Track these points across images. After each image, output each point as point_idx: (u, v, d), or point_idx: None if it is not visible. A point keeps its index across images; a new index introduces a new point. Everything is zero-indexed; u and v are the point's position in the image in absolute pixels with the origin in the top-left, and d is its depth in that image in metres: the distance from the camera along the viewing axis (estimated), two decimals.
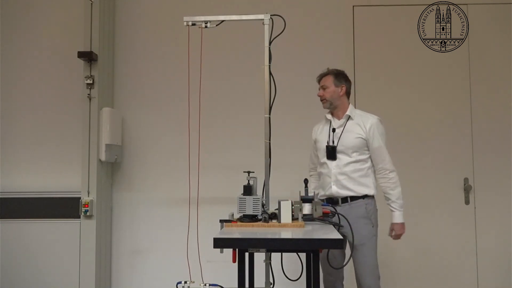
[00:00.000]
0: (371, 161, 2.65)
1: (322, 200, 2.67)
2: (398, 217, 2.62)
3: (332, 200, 2.64)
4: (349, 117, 2.67)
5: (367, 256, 2.58)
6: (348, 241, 2.56)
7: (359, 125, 2.63)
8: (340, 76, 2.72)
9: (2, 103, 3.71)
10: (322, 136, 2.73)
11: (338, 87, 2.69)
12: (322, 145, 2.70)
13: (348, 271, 2.75)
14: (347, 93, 2.73)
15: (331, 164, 2.64)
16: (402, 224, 2.63)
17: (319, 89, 2.74)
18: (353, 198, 2.60)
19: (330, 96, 2.68)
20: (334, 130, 2.67)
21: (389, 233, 2.68)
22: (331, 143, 2.65)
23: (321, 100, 2.73)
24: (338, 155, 2.62)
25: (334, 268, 2.48)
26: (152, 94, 3.75)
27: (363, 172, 2.61)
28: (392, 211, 2.63)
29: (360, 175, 2.60)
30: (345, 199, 2.61)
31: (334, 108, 2.72)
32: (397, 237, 2.66)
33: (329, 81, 2.70)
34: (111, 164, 3.66)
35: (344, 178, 2.60)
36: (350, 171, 2.60)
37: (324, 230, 2.17)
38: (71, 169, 3.59)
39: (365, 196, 2.61)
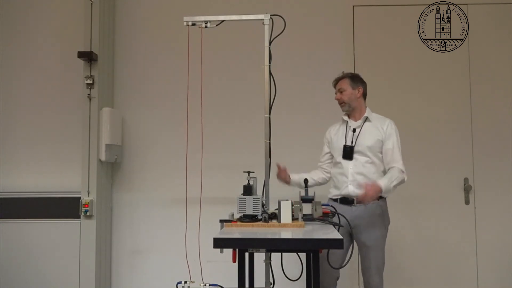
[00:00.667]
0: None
1: (335, 200, 2.68)
2: (383, 183, 2.43)
3: (347, 200, 2.64)
4: (366, 119, 2.69)
5: (378, 256, 2.61)
6: (351, 237, 2.57)
7: (377, 128, 2.65)
8: (356, 79, 2.74)
9: (2, 103, 3.71)
10: (337, 136, 2.74)
11: (355, 89, 2.70)
12: (338, 145, 2.70)
13: (348, 270, 2.75)
14: (364, 95, 2.75)
15: (348, 164, 2.64)
16: (379, 190, 2.40)
17: (336, 93, 2.75)
18: None
19: (348, 99, 2.69)
20: (354, 130, 2.67)
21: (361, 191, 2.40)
22: (349, 143, 2.65)
23: (340, 104, 2.74)
24: (355, 155, 2.63)
25: (335, 268, 2.48)
26: (152, 94, 3.74)
27: (379, 174, 2.62)
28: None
29: (377, 176, 2.59)
30: None
31: (351, 110, 2.73)
32: (366, 196, 2.36)
33: (346, 84, 2.71)
34: (111, 164, 3.66)
35: (362, 178, 2.59)
36: (368, 171, 2.61)
37: (324, 230, 2.17)
38: (71, 169, 3.58)
39: (379, 198, 2.61)
